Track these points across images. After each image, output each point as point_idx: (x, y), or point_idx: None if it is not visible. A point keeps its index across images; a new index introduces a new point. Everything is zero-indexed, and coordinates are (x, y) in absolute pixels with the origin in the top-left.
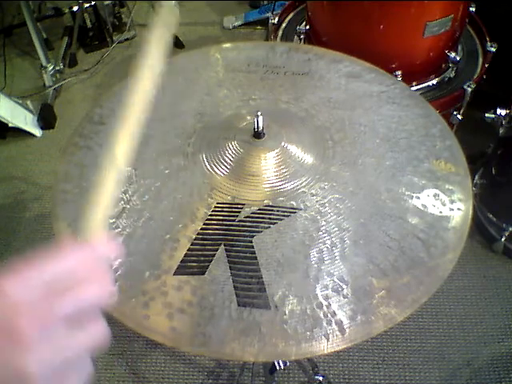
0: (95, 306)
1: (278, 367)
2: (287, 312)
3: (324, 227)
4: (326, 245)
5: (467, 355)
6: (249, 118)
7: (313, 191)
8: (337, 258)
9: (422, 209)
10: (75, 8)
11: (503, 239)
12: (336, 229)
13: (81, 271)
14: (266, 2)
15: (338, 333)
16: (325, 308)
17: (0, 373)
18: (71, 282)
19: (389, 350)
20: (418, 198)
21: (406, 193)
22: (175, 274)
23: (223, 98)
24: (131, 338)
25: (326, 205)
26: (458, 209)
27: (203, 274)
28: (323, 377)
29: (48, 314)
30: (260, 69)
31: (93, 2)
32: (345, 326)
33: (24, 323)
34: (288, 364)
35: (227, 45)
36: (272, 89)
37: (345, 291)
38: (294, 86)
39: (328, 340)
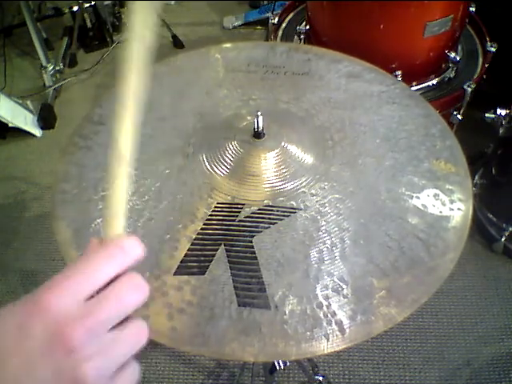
0: (134, 308)
1: (277, 367)
2: (287, 312)
3: (324, 227)
4: (326, 245)
5: (467, 355)
6: (249, 118)
7: (313, 191)
8: (337, 258)
9: (422, 209)
10: (75, 8)
11: (503, 239)
12: (336, 229)
13: (117, 277)
14: (265, 2)
15: (338, 333)
16: (325, 308)
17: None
18: (110, 290)
19: (389, 350)
20: (418, 198)
21: (406, 193)
22: (175, 274)
23: (223, 98)
24: None
25: (326, 205)
26: (458, 209)
27: (203, 274)
28: (323, 377)
29: (92, 322)
30: (260, 69)
31: (93, 2)
32: (345, 326)
33: (72, 333)
34: (288, 364)
35: (227, 45)
36: (272, 89)
37: (345, 291)
38: (294, 86)
39: (328, 340)
